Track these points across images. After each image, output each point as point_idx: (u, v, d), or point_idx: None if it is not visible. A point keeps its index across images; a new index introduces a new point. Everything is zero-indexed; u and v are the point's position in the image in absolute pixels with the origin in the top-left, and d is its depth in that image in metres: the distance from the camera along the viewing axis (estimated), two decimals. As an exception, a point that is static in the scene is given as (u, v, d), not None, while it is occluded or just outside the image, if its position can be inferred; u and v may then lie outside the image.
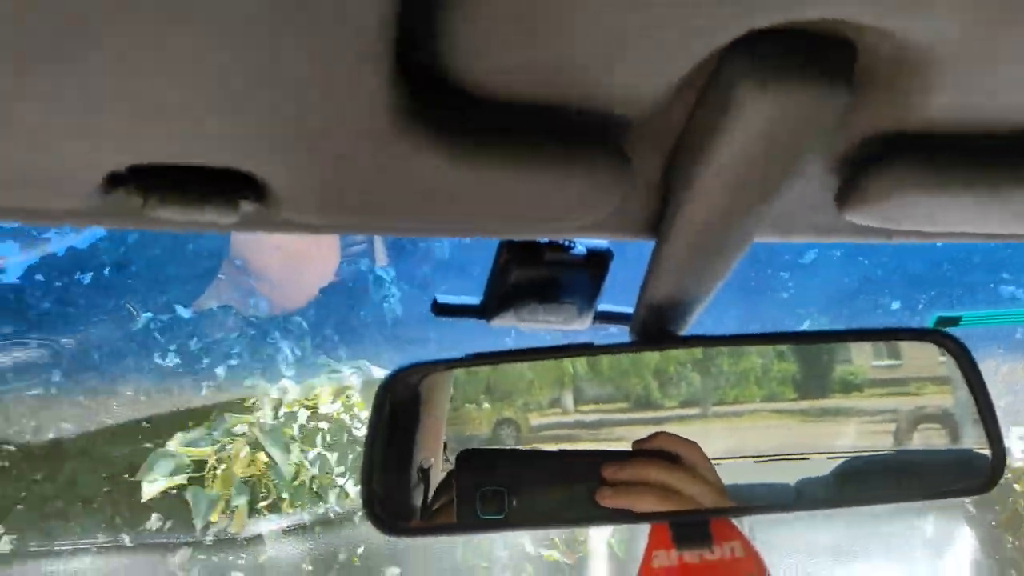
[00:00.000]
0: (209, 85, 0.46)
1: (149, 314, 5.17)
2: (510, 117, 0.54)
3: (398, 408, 0.92)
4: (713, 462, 0.89)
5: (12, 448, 4.80)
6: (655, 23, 0.46)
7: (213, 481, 4.40)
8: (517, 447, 1.18)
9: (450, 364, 0.92)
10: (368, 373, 4.73)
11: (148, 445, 4.57)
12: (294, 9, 0.40)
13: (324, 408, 4.61)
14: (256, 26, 0.41)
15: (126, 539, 4.67)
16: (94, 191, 0.56)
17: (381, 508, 0.88)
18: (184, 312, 5.33)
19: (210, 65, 0.44)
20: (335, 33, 0.42)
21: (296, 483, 4.48)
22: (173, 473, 4.38)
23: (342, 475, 4.62)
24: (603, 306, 0.90)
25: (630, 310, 0.87)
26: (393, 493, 0.93)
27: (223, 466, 4.41)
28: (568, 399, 1.36)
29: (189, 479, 4.39)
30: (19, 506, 4.75)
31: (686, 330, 0.85)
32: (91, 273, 5.61)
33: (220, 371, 5.04)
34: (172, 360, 5.07)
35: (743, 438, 1.44)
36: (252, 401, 4.61)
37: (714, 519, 0.91)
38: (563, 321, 0.89)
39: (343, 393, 4.69)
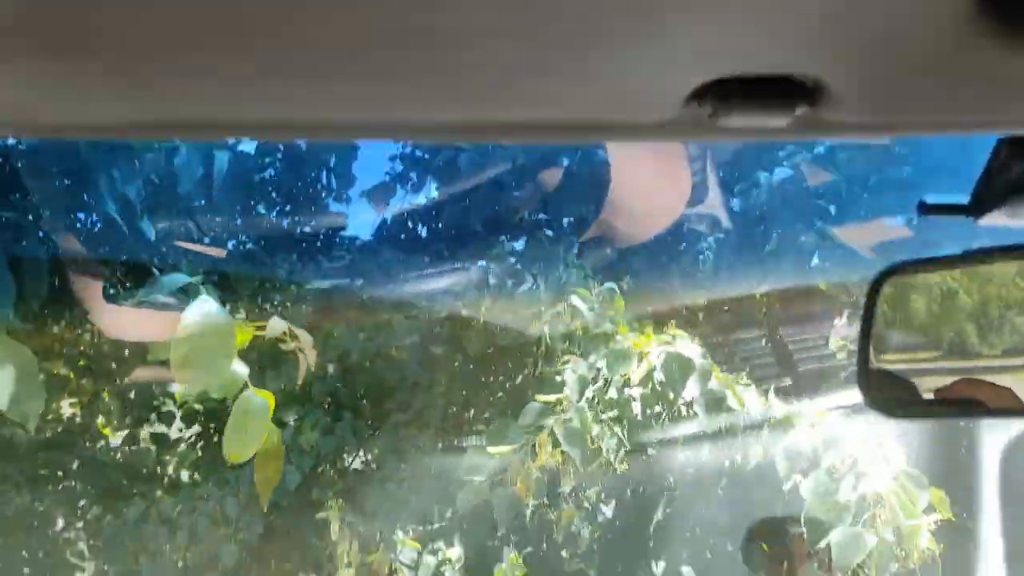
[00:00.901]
0: None
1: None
2: None
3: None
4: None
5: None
6: None
7: (514, 484, 4.61)
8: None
9: (940, 263, 0.97)
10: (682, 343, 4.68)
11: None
12: None
13: (636, 377, 4.64)
14: None
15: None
16: (673, 106, 0.63)
17: (879, 392, 0.95)
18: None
19: None
20: None
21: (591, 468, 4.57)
22: (482, 480, 4.66)
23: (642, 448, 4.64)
24: None
25: None
26: (886, 380, 0.99)
27: (525, 466, 4.59)
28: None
29: (491, 485, 4.63)
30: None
31: None
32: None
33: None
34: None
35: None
36: (562, 375, 4.72)
37: None
38: None
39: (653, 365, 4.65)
